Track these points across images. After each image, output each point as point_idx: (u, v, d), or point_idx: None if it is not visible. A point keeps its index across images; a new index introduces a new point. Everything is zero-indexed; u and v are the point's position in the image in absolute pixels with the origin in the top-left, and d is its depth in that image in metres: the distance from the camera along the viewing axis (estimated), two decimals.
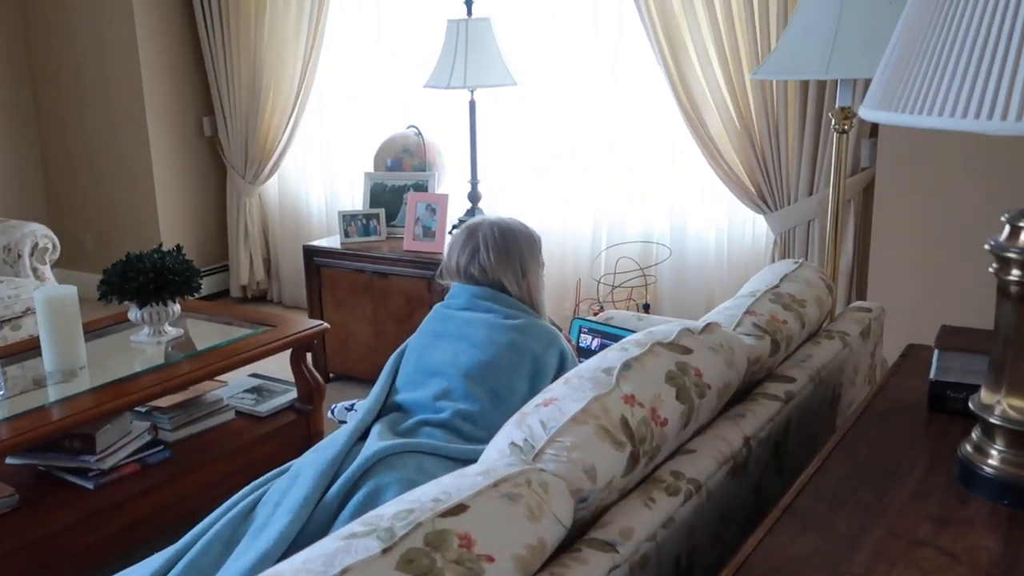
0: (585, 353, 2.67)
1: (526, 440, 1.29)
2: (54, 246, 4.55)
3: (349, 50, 4.96)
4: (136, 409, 2.90)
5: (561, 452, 1.25)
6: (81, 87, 5.41)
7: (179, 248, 3.06)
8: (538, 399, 1.37)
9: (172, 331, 3.08)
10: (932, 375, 1.55)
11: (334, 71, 5.03)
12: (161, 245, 3.12)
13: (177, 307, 3.04)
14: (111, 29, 5.18)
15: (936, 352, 1.55)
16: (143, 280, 2.88)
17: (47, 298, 2.71)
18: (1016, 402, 1.22)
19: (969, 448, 1.30)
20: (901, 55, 1.13)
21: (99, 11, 5.20)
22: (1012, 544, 1.14)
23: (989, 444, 1.26)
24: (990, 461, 1.25)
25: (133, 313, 3.00)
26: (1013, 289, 1.21)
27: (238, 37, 5.10)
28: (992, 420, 1.24)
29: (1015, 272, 1.20)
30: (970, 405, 1.29)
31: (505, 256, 2.23)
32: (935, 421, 1.51)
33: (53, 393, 2.66)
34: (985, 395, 1.27)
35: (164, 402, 2.96)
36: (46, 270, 4.50)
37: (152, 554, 1.95)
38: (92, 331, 3.15)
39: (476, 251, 2.23)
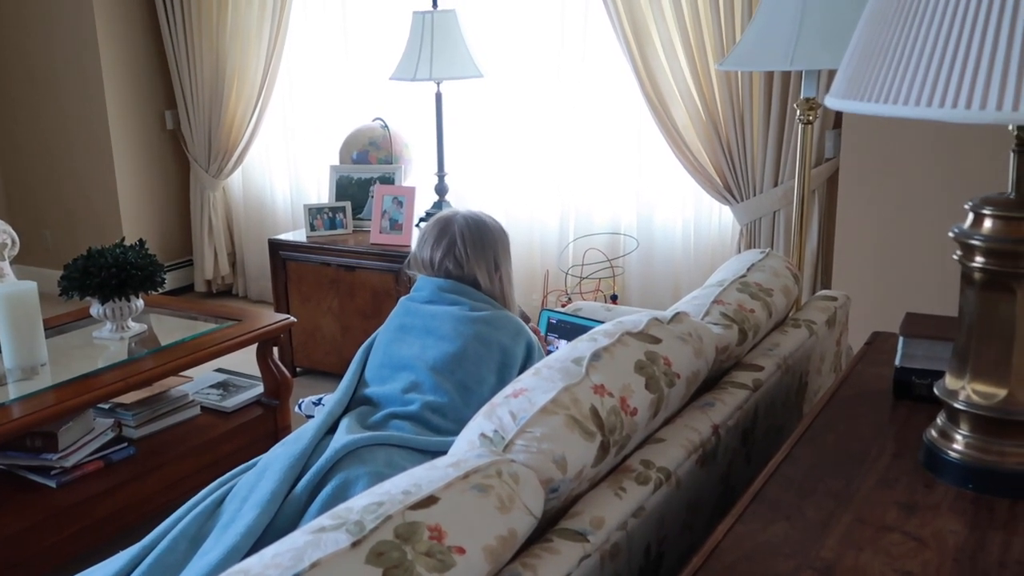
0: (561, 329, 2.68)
1: (496, 431, 1.28)
2: (13, 242, 4.46)
3: (314, 42, 4.91)
4: (99, 406, 2.86)
5: (531, 443, 1.25)
6: (39, 80, 5.31)
7: (142, 243, 3.01)
8: (507, 390, 1.37)
9: (135, 327, 3.04)
10: (897, 362, 1.56)
11: (299, 63, 4.98)
12: (123, 240, 3.08)
13: (140, 302, 3.00)
14: (69, 20, 5.09)
15: (901, 339, 1.57)
16: (105, 275, 2.84)
17: (6, 294, 2.66)
18: (980, 387, 1.24)
19: (934, 433, 1.31)
20: (866, 44, 1.13)
21: (56, 1, 5.10)
22: (977, 528, 1.16)
23: (954, 429, 1.28)
24: (955, 446, 1.27)
25: (95, 309, 2.96)
26: (977, 276, 1.23)
27: (200, 29, 5.03)
28: (956, 405, 1.26)
29: (978, 259, 1.22)
30: (935, 391, 1.31)
31: (481, 250, 2.22)
32: (901, 408, 1.53)
33: (13, 391, 2.61)
34: (950, 381, 1.29)
35: (128, 398, 2.92)
36: (5, 266, 4.42)
37: (117, 553, 1.92)
38: (53, 327, 3.10)
39: (452, 245, 2.21)
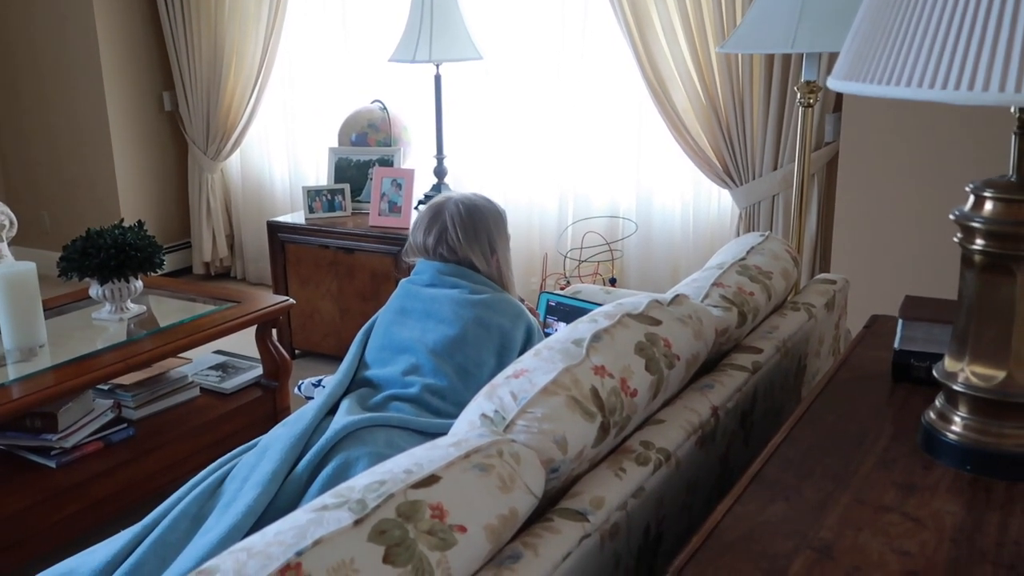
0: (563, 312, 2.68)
1: (497, 411, 1.29)
2: (11, 223, 4.45)
3: (313, 23, 4.89)
4: (99, 387, 2.86)
5: (532, 423, 1.25)
6: (37, 62, 5.28)
7: (141, 224, 3.01)
8: (508, 370, 1.37)
9: (134, 308, 3.04)
10: (896, 345, 1.57)
11: (297, 44, 4.96)
12: (122, 221, 3.07)
13: (139, 283, 3.00)
14: (67, 2, 5.06)
15: (900, 322, 1.57)
16: (104, 256, 2.84)
17: (5, 275, 2.65)
18: (979, 369, 1.24)
19: (933, 415, 1.32)
20: (869, 25, 1.13)
21: None
22: (975, 508, 1.17)
23: (952, 411, 1.28)
24: (953, 428, 1.27)
25: (94, 290, 2.95)
26: (977, 258, 1.23)
27: (198, 9, 5.01)
28: (955, 387, 1.26)
29: (979, 241, 1.22)
30: (934, 373, 1.31)
31: (473, 234, 2.22)
32: (899, 390, 1.53)
33: (13, 372, 2.61)
34: (948, 363, 1.29)
35: (127, 379, 2.92)
36: (3, 247, 4.41)
37: (117, 532, 1.93)
38: (52, 308, 3.10)
39: (444, 231, 2.21)
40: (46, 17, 5.17)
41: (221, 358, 3.42)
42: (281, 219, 4.13)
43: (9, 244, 4.47)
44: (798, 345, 1.96)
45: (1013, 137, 1.20)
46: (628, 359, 1.42)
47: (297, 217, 4.11)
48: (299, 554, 0.94)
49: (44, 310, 2.81)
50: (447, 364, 2.11)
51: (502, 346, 2.15)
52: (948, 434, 1.27)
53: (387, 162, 4.09)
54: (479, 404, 1.32)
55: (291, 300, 3.28)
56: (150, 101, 5.36)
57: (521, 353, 2.12)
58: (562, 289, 3.53)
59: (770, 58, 3.57)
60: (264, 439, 2.04)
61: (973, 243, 1.22)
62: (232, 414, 3.06)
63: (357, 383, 2.19)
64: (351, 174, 4.14)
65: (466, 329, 2.13)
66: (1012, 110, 1.17)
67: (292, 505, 1.83)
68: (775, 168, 3.69)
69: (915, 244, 3.19)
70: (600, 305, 1.82)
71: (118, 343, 2.82)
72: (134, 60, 5.24)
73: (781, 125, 3.64)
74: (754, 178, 3.74)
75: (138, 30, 5.23)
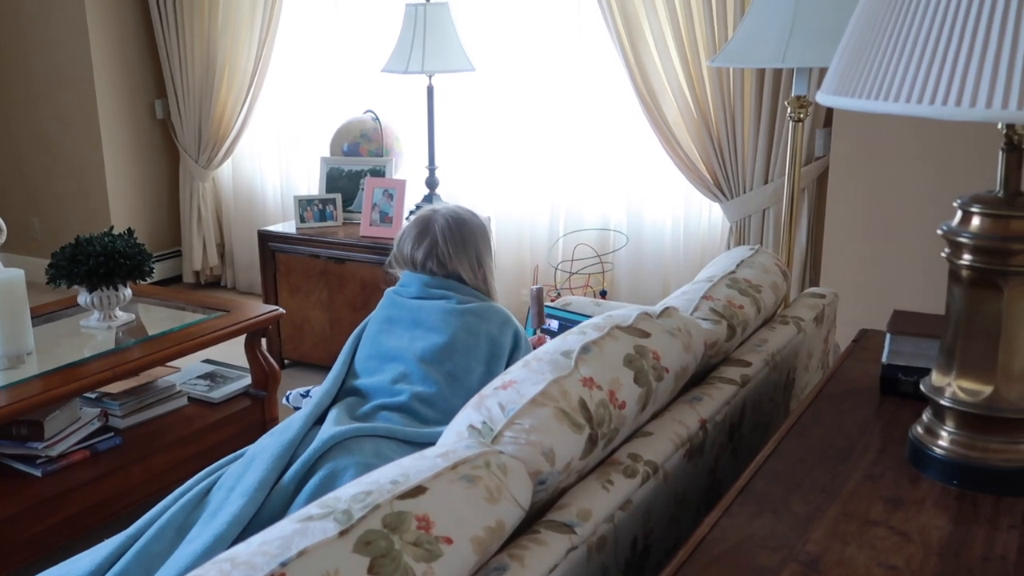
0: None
1: (485, 423, 1.29)
2: (0, 229, 4.43)
3: (306, 33, 4.89)
4: (86, 395, 2.85)
5: (520, 434, 1.25)
6: (29, 68, 5.27)
7: (130, 232, 3.00)
8: (497, 382, 1.37)
9: (123, 316, 3.03)
10: (884, 359, 1.57)
11: (290, 54, 4.96)
12: (112, 229, 3.06)
13: (128, 292, 2.99)
14: (60, 8, 5.05)
15: (888, 336, 1.58)
16: (93, 264, 2.82)
17: None
18: (966, 384, 1.25)
19: (920, 430, 1.32)
20: (858, 40, 1.14)
21: None
22: (962, 523, 1.17)
23: (939, 426, 1.28)
24: (940, 442, 1.27)
25: (83, 297, 2.94)
26: (964, 273, 1.23)
27: (191, 18, 5.01)
28: (943, 402, 1.26)
29: (966, 256, 1.22)
30: (921, 388, 1.32)
31: (463, 248, 2.24)
32: (887, 404, 1.54)
33: (0, 379, 2.61)
34: (936, 378, 1.29)
35: (115, 388, 2.91)
36: None
37: (102, 541, 1.92)
38: (40, 316, 3.09)
39: (434, 245, 2.22)
40: (38, 24, 5.16)
41: (210, 367, 3.40)
42: (272, 228, 4.12)
43: None
44: (787, 359, 1.96)
45: (1000, 153, 1.21)
46: (617, 371, 1.42)
47: (288, 227, 4.11)
48: (283, 564, 0.93)
49: (32, 317, 2.80)
50: (436, 371, 2.11)
51: (491, 353, 2.15)
52: (935, 448, 1.27)
53: (379, 172, 4.09)
54: (467, 415, 1.32)
55: (281, 310, 3.27)
56: (142, 109, 5.35)
57: (510, 359, 2.14)
58: (552, 301, 3.53)
59: (761, 72, 3.58)
60: (251, 449, 2.03)
61: (961, 258, 1.23)
62: (220, 424, 3.05)
63: (345, 392, 2.19)
64: (343, 184, 4.14)
65: (455, 337, 2.14)
66: (999, 126, 1.18)
67: (278, 515, 1.82)
68: (766, 182, 3.71)
69: (904, 259, 3.20)
70: (590, 317, 1.82)
71: (106, 351, 2.81)
72: (126, 67, 5.23)
73: (772, 139, 3.65)
74: (745, 192, 3.76)
75: (131, 37, 5.23)
